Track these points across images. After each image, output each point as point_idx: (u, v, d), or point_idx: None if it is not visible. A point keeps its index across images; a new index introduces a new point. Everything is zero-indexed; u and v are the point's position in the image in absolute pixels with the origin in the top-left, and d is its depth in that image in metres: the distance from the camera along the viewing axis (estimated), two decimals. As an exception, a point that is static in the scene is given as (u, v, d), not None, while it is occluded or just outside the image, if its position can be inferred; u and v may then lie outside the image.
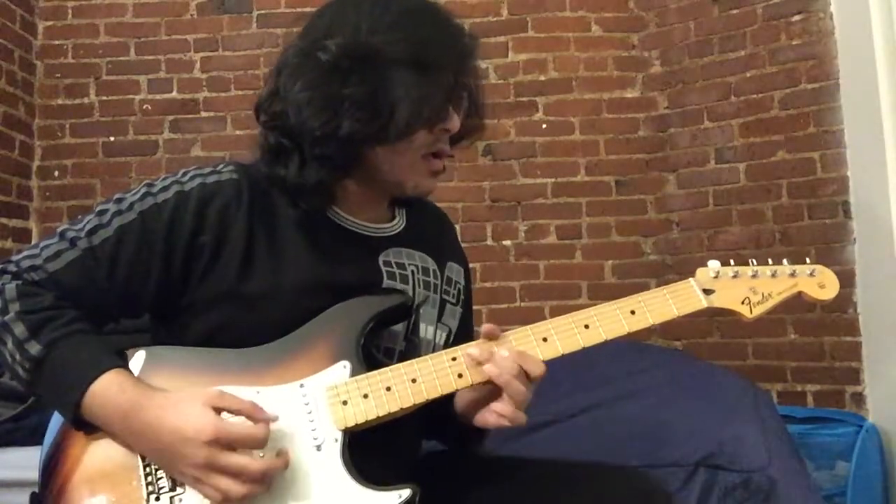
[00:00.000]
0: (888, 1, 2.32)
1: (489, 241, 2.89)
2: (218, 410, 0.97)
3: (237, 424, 0.97)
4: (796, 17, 2.63)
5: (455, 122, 1.14)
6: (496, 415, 1.06)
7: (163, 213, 1.08)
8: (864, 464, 2.23)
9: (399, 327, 1.16)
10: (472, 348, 1.07)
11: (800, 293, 1.17)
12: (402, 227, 1.25)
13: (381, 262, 1.18)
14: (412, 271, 1.20)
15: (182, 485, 0.99)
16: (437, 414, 1.17)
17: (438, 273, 1.25)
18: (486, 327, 1.08)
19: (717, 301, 1.15)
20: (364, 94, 1.06)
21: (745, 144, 2.71)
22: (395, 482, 1.01)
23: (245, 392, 1.03)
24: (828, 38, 2.57)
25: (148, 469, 1.01)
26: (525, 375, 1.04)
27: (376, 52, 1.07)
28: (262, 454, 0.98)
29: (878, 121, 2.31)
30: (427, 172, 1.15)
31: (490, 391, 1.08)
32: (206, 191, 1.10)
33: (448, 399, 1.13)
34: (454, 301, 1.28)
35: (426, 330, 1.21)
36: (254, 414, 0.99)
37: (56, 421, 1.09)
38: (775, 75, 2.66)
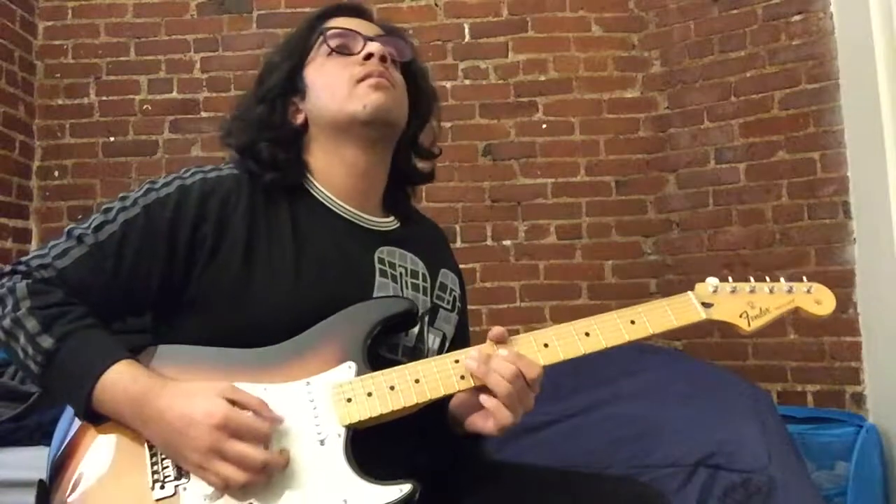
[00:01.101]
0: (888, 1, 2.32)
1: (489, 241, 2.89)
2: (229, 402, 1.00)
3: (245, 415, 0.99)
4: (796, 17, 2.64)
5: (369, 47, 1.21)
6: (485, 415, 1.07)
7: (166, 206, 1.12)
8: (864, 464, 2.23)
9: (400, 342, 1.18)
10: (472, 350, 1.09)
11: (796, 308, 1.19)
12: (396, 225, 1.28)
13: (375, 259, 1.20)
14: (401, 273, 1.22)
15: (187, 474, 1.01)
16: (431, 424, 1.18)
17: (429, 277, 1.27)
18: (494, 330, 1.10)
19: (716, 314, 1.17)
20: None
21: (745, 144, 2.72)
22: (398, 478, 1.02)
23: (253, 389, 1.04)
24: (828, 38, 2.57)
25: (154, 458, 1.02)
26: (522, 377, 1.05)
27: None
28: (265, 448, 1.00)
29: (878, 121, 2.31)
30: (367, 90, 1.19)
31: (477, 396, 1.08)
32: (207, 184, 1.15)
33: (441, 410, 1.15)
34: (449, 307, 1.29)
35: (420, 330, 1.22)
36: (262, 411, 1.01)
37: (65, 419, 1.11)
38: (775, 75, 2.67)
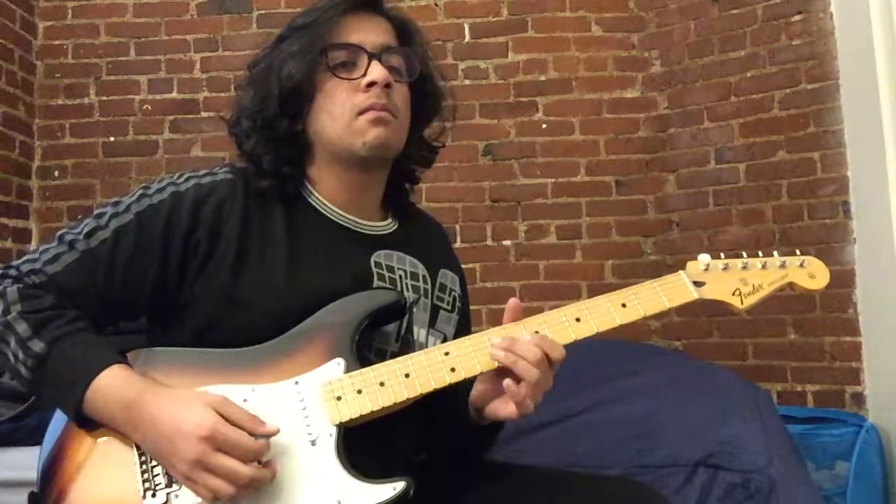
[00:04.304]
0: (888, 1, 2.32)
1: (489, 241, 2.89)
2: (220, 415, 0.98)
3: (234, 429, 0.98)
4: (796, 17, 2.63)
5: (371, 73, 1.15)
6: (506, 399, 1.06)
7: (159, 213, 1.10)
8: (864, 464, 2.22)
9: (391, 328, 1.17)
10: (495, 336, 1.08)
11: (790, 283, 1.17)
12: (394, 228, 1.27)
13: (372, 263, 1.19)
14: (400, 276, 1.21)
15: (178, 481, 1.00)
16: (441, 417, 1.18)
17: (429, 279, 1.25)
18: (511, 303, 1.10)
19: (708, 293, 1.15)
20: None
21: (745, 144, 2.71)
22: (391, 476, 1.02)
23: (241, 390, 1.04)
24: (828, 38, 2.57)
25: (144, 466, 1.01)
26: (546, 360, 1.05)
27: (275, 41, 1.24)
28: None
29: (878, 121, 2.31)
30: (367, 125, 1.15)
31: (499, 383, 1.08)
32: (201, 190, 1.13)
33: (451, 403, 1.15)
34: (449, 308, 1.28)
35: (419, 333, 1.21)
36: (254, 428, 0.99)
37: (55, 425, 1.09)
38: (775, 75, 2.66)
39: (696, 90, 2.82)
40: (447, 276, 1.30)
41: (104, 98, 2.99)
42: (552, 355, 1.06)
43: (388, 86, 1.16)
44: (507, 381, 1.04)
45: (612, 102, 2.93)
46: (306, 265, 1.13)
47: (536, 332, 1.09)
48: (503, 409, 1.08)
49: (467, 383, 1.12)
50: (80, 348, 1.04)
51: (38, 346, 1.02)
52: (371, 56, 1.17)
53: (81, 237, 1.09)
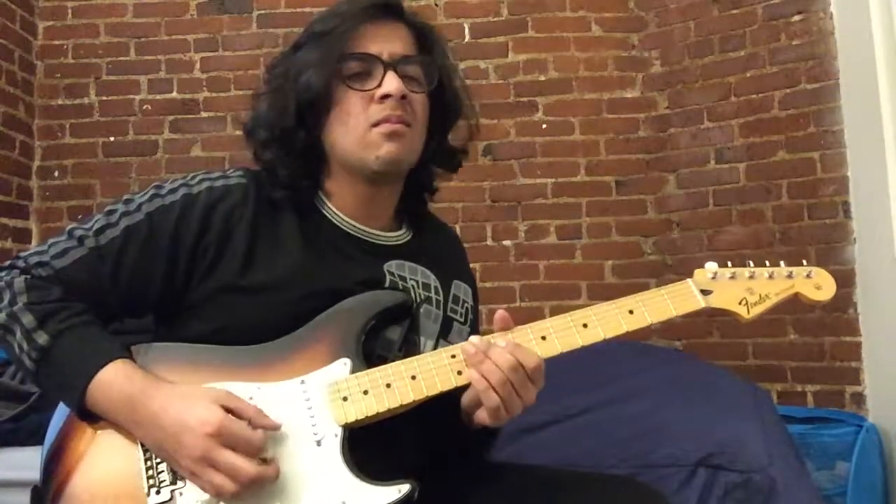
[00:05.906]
0: (888, 1, 2.32)
1: (489, 241, 2.89)
2: (224, 409, 0.99)
3: (240, 425, 0.98)
4: (796, 17, 2.64)
5: (386, 85, 1.13)
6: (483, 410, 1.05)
7: (170, 214, 1.10)
8: (864, 464, 2.22)
9: (395, 336, 1.15)
10: (474, 337, 1.07)
11: (796, 294, 1.17)
12: (407, 238, 1.26)
13: (385, 272, 1.18)
14: (412, 286, 1.20)
15: (182, 478, 1.00)
16: (443, 420, 1.17)
17: (441, 290, 1.24)
18: (498, 314, 1.09)
19: (715, 301, 1.15)
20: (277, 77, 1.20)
21: (745, 144, 2.71)
22: (396, 478, 1.01)
23: (246, 388, 1.04)
24: (828, 38, 2.57)
25: (149, 462, 1.01)
26: (521, 368, 1.03)
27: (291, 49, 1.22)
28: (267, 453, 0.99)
29: (878, 121, 2.31)
30: (381, 139, 1.13)
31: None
32: (213, 194, 1.12)
33: (452, 406, 1.14)
34: (462, 320, 1.27)
35: (426, 344, 1.19)
36: (257, 420, 1.00)
37: (59, 417, 1.10)
38: (775, 75, 2.67)
39: (696, 90, 2.82)
40: (461, 288, 1.29)
41: (104, 98, 2.99)
42: (527, 364, 1.03)
43: (403, 97, 1.14)
44: (476, 377, 1.02)
45: (612, 102, 2.93)
46: (316, 271, 1.12)
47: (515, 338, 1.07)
48: (481, 415, 1.06)
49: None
50: (83, 342, 1.04)
51: (42, 338, 1.03)
52: (387, 67, 1.14)
53: (91, 234, 1.09)
